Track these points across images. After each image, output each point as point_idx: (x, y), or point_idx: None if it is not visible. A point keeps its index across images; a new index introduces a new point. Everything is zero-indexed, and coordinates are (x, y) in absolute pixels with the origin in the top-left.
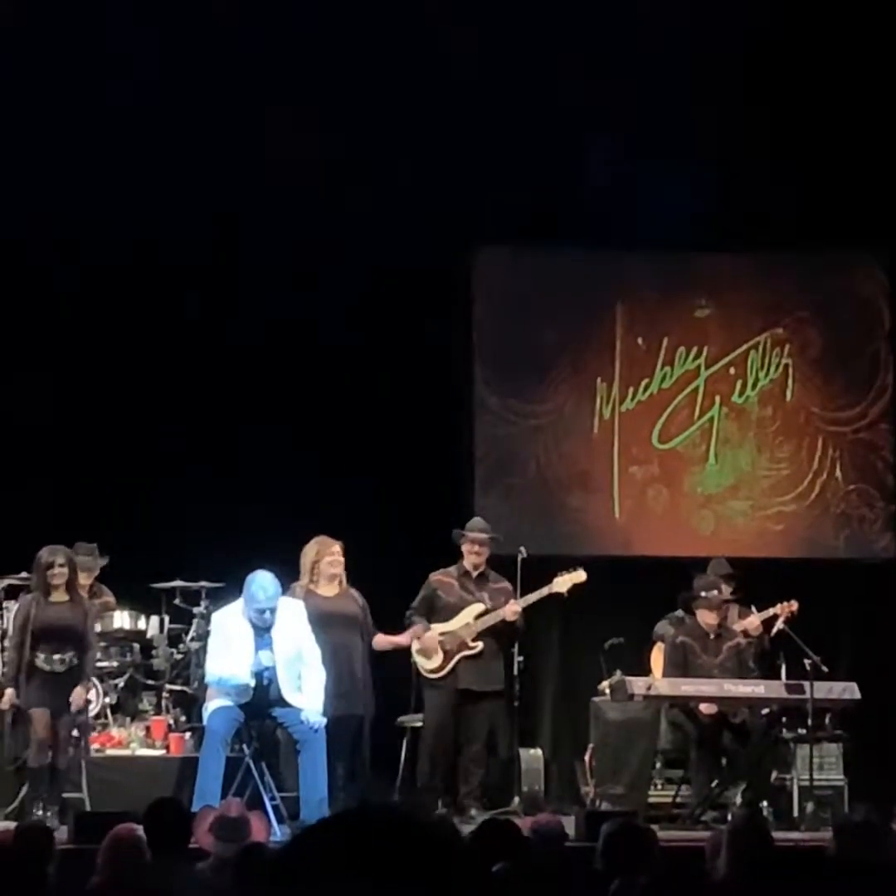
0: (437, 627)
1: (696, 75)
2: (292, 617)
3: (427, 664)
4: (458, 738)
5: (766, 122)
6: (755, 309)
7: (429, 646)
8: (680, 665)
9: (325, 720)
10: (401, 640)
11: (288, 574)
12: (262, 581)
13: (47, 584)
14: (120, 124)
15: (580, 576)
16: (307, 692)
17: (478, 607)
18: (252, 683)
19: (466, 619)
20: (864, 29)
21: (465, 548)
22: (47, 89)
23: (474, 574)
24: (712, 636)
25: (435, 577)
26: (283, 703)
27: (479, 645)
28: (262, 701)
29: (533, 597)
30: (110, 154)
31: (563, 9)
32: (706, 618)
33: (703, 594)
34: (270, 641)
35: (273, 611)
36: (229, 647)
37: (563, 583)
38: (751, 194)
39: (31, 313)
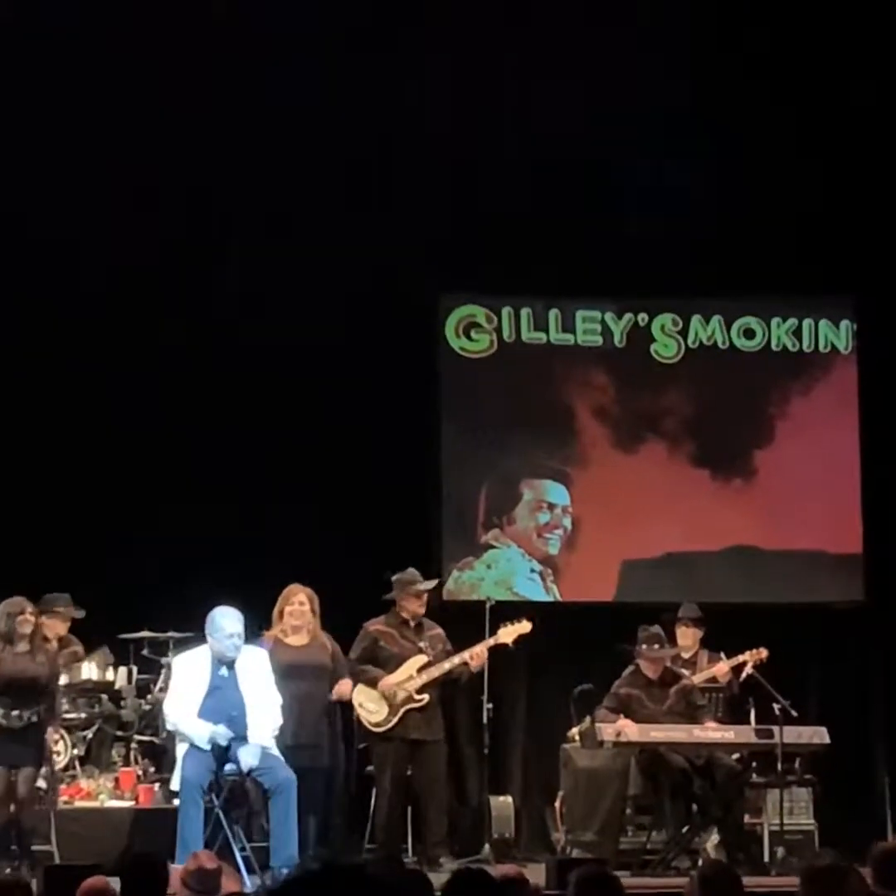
0: (388, 678)
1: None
2: (256, 664)
3: (371, 718)
4: (415, 789)
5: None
6: None
7: (387, 694)
8: (614, 712)
9: (255, 763)
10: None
11: (258, 623)
12: (225, 611)
13: (15, 633)
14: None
15: (525, 627)
16: (256, 728)
17: (421, 659)
18: (208, 748)
19: (410, 671)
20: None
21: (406, 600)
22: None
23: (412, 623)
24: (657, 683)
25: (372, 626)
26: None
27: (425, 697)
28: (223, 756)
29: (478, 648)
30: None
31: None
32: (647, 671)
33: (643, 647)
34: (230, 700)
35: (240, 635)
36: (188, 692)
37: (508, 633)
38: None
39: None
